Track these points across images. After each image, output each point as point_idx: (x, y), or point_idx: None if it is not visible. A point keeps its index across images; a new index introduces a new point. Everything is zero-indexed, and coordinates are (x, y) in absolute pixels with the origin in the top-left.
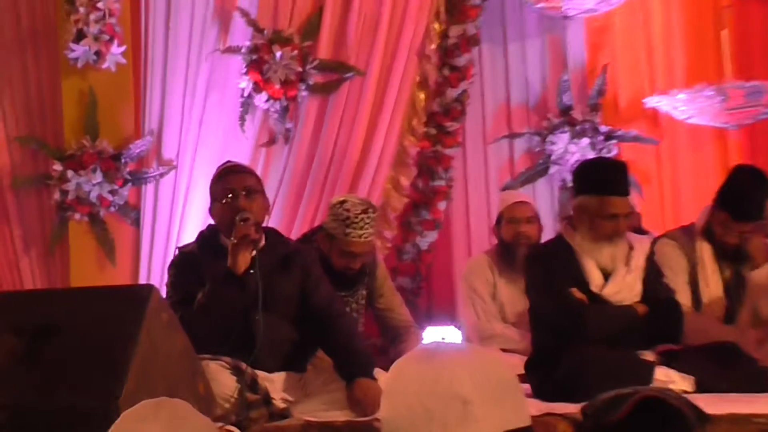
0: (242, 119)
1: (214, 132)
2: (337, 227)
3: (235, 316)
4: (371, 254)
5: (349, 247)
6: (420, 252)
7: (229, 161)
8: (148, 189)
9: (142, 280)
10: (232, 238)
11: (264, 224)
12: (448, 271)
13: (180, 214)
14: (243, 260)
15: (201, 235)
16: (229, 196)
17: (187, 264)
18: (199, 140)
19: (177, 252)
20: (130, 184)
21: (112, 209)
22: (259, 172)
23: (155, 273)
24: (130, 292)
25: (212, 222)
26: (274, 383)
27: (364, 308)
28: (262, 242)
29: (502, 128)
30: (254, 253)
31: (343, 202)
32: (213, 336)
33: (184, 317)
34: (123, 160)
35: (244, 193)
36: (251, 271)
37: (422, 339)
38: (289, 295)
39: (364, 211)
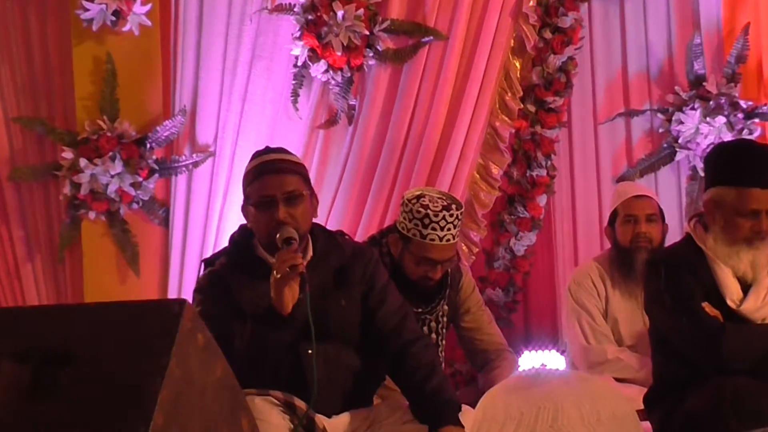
0: (295, 95)
1: (259, 111)
2: (412, 228)
3: (282, 357)
4: (455, 261)
5: (427, 252)
6: (515, 258)
7: (267, 149)
8: (180, 181)
9: (171, 294)
10: (275, 272)
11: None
12: (550, 282)
13: (218, 211)
14: (290, 296)
15: (233, 241)
16: (264, 202)
17: (216, 289)
18: (241, 121)
19: (203, 269)
20: (156, 175)
21: (135, 206)
22: (316, 159)
23: (188, 285)
24: (157, 308)
25: (245, 223)
26: (337, 429)
27: (445, 328)
28: (309, 253)
29: (617, 104)
30: (302, 272)
31: (419, 197)
32: (256, 380)
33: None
34: (148, 146)
35: (284, 199)
36: (300, 295)
37: (518, 365)
38: (349, 318)
39: (446, 208)
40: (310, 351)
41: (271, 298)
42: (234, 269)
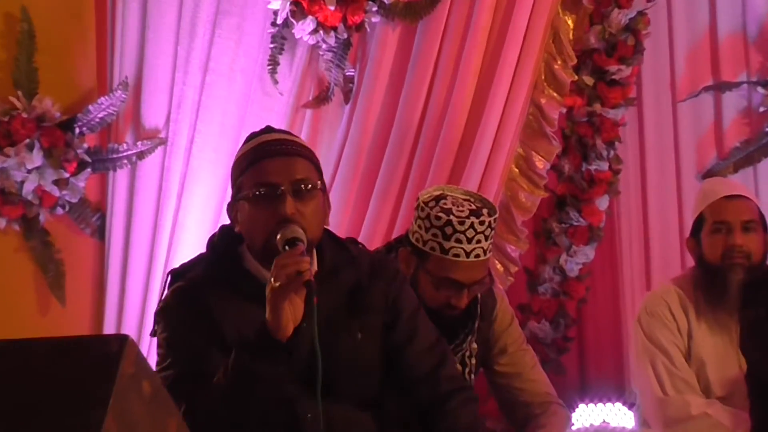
0: (273, 62)
1: (226, 84)
2: (430, 239)
3: (276, 406)
4: (486, 284)
5: (450, 271)
6: (567, 280)
7: (268, 128)
8: (119, 178)
9: (109, 328)
10: (272, 280)
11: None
12: (614, 313)
13: (171, 218)
14: (291, 314)
15: (212, 247)
16: (265, 194)
17: (189, 310)
18: (202, 98)
19: (170, 282)
20: (89, 169)
21: (60, 211)
22: None
23: (130, 316)
24: (89, 347)
25: (228, 224)
26: None
27: (474, 373)
28: (314, 267)
29: (702, 75)
30: (309, 280)
31: (439, 199)
32: None
33: (189, 404)
34: (78, 131)
35: (292, 190)
36: (304, 324)
37: (571, 423)
38: (366, 357)
39: (475, 213)
40: (309, 415)
41: (264, 322)
42: (214, 285)
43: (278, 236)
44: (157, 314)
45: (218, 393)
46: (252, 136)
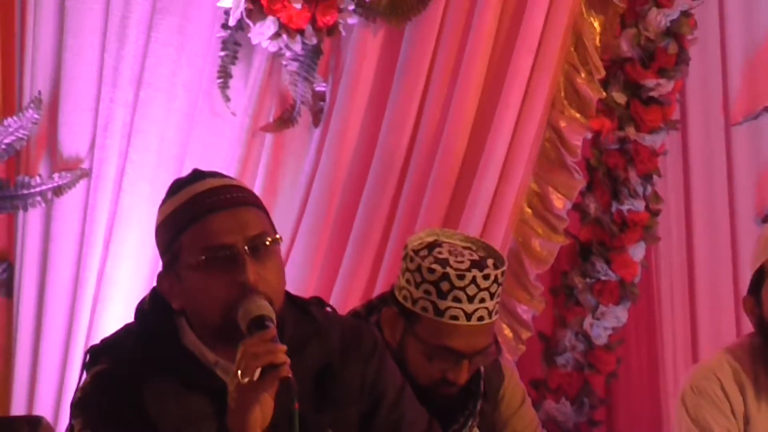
0: (224, 75)
1: (165, 101)
2: (421, 298)
3: None
4: (491, 354)
5: (446, 338)
6: (593, 349)
7: (197, 173)
8: (31, 219)
9: (17, 408)
10: (240, 374)
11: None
12: (651, 390)
13: (97, 270)
14: (260, 418)
15: (141, 317)
16: (216, 259)
17: (116, 400)
18: (134, 119)
19: (89, 362)
20: None
21: None
22: (259, 182)
23: (45, 392)
24: None
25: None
26: None
27: None
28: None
29: (764, 92)
30: (286, 376)
31: (432, 247)
32: None
33: None
34: None
35: (249, 250)
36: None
37: None
38: None
39: (477, 265)
40: None
41: (220, 423)
42: (145, 369)
43: (240, 312)
44: (73, 407)
45: None
46: (178, 185)
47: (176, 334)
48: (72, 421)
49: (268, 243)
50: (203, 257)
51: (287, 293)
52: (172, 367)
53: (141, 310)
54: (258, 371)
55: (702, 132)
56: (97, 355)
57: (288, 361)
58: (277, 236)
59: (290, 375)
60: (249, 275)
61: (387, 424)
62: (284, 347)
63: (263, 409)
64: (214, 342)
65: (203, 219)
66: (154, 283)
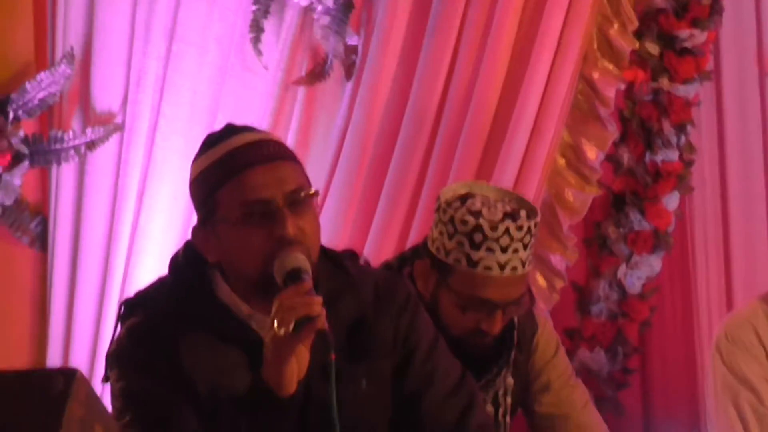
0: (256, 29)
1: (197, 56)
2: (454, 249)
3: None
4: (525, 305)
5: (479, 289)
6: (627, 298)
7: (231, 127)
8: (65, 173)
9: (52, 360)
10: (277, 326)
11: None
12: (686, 338)
13: (131, 224)
14: (296, 369)
15: (176, 271)
16: (256, 213)
17: (152, 352)
18: (167, 73)
19: (124, 315)
20: (26, 163)
21: None
22: (291, 136)
23: (80, 345)
24: (29, 384)
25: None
26: None
27: (509, 414)
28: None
29: None
30: (323, 329)
31: (465, 199)
32: None
33: None
34: (12, 115)
35: (288, 204)
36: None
37: None
38: (374, 414)
39: (510, 216)
40: None
41: (255, 373)
42: (180, 321)
43: (276, 265)
44: (109, 358)
45: None
46: (213, 140)
47: (210, 287)
48: (107, 372)
49: (304, 196)
50: (241, 212)
51: (321, 246)
52: (207, 320)
53: (175, 262)
54: (294, 323)
55: (736, 82)
56: (131, 307)
57: (324, 312)
58: (313, 190)
59: (326, 327)
60: (288, 229)
61: (420, 375)
62: (320, 299)
63: (299, 361)
64: (249, 295)
65: (240, 174)
66: (188, 236)
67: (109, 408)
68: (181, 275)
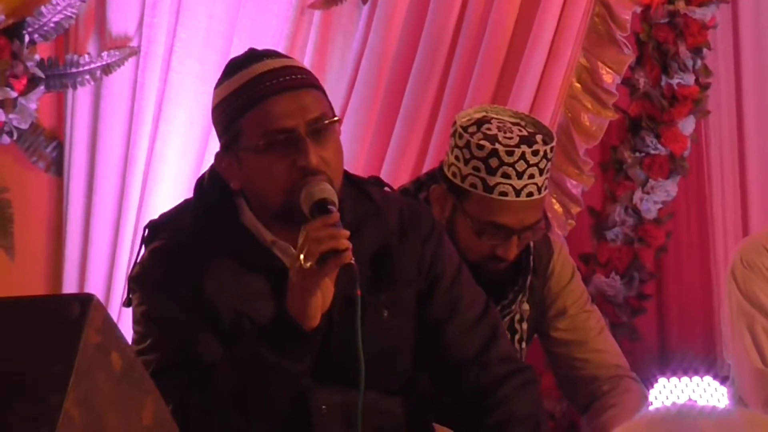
0: None
1: None
2: (470, 174)
3: (287, 399)
4: (541, 230)
5: (495, 214)
6: (642, 223)
7: (254, 52)
8: (80, 98)
9: (68, 286)
10: (302, 258)
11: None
12: (702, 264)
13: (147, 149)
14: (321, 300)
15: (201, 196)
16: (279, 142)
17: (175, 276)
18: None
19: (148, 237)
20: (42, 87)
21: (7, 139)
22: (308, 60)
23: (96, 271)
24: (45, 310)
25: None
26: None
27: (526, 341)
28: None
29: None
30: (350, 262)
31: (481, 123)
32: None
33: (181, 402)
34: (27, 38)
35: (311, 132)
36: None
37: (647, 402)
38: (396, 343)
39: (526, 141)
40: (324, 407)
41: (278, 303)
42: (204, 245)
43: (302, 195)
44: (131, 281)
45: (221, 390)
46: (236, 65)
47: (235, 213)
48: (129, 294)
49: (327, 126)
50: (264, 141)
51: (346, 173)
52: (231, 246)
53: (201, 186)
54: (320, 256)
55: (752, 4)
56: (156, 230)
57: (350, 246)
58: (336, 117)
59: (353, 261)
60: (311, 158)
61: (444, 303)
62: (347, 233)
63: (324, 294)
64: (272, 222)
65: (263, 102)
66: (204, 162)
67: (127, 334)
68: (206, 200)
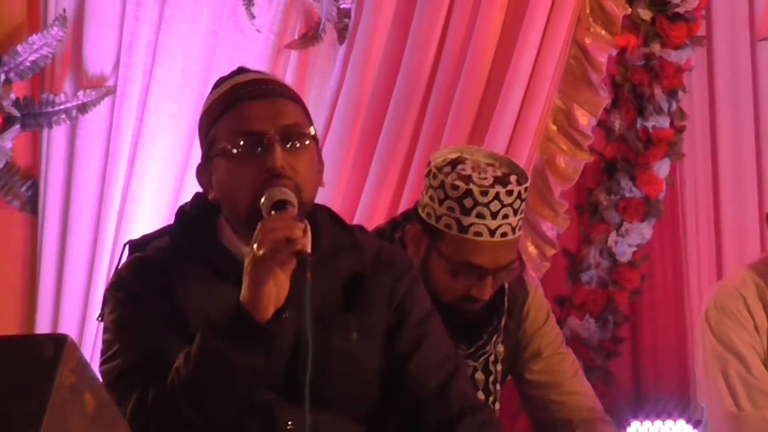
0: None
1: (190, 19)
2: (445, 214)
3: (250, 411)
4: (515, 270)
5: (469, 254)
6: (617, 266)
7: (242, 69)
8: (56, 137)
9: (42, 326)
10: (255, 245)
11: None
12: (676, 307)
13: (122, 189)
14: (275, 291)
15: (182, 216)
16: (247, 145)
17: (147, 283)
18: (159, 37)
19: (128, 253)
20: (17, 126)
21: None
22: None
23: (70, 311)
24: (18, 350)
25: (201, 192)
26: None
27: (500, 382)
28: (308, 244)
29: None
30: (301, 250)
31: (456, 164)
32: None
33: (142, 404)
34: (3, 77)
35: (280, 138)
36: (285, 315)
37: None
38: (362, 364)
39: (501, 181)
40: (290, 423)
41: (237, 300)
42: (181, 258)
43: (263, 198)
44: (107, 290)
45: (178, 386)
46: (222, 80)
47: (214, 231)
48: (103, 306)
49: (300, 135)
50: (233, 143)
51: (331, 213)
52: (205, 257)
53: (182, 210)
54: (272, 244)
55: (727, 48)
56: (134, 248)
57: (304, 236)
58: (311, 133)
59: (306, 252)
60: (276, 161)
61: (410, 338)
62: (302, 225)
63: (278, 285)
64: (245, 233)
65: (237, 106)
66: (179, 203)
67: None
68: (187, 220)
